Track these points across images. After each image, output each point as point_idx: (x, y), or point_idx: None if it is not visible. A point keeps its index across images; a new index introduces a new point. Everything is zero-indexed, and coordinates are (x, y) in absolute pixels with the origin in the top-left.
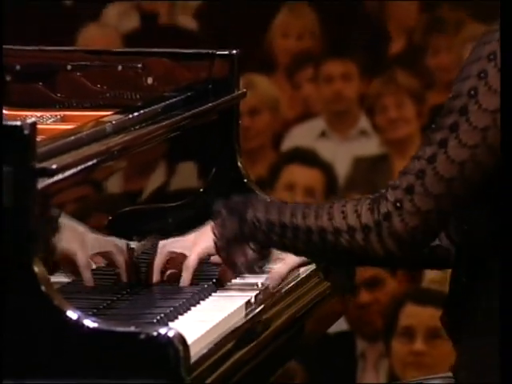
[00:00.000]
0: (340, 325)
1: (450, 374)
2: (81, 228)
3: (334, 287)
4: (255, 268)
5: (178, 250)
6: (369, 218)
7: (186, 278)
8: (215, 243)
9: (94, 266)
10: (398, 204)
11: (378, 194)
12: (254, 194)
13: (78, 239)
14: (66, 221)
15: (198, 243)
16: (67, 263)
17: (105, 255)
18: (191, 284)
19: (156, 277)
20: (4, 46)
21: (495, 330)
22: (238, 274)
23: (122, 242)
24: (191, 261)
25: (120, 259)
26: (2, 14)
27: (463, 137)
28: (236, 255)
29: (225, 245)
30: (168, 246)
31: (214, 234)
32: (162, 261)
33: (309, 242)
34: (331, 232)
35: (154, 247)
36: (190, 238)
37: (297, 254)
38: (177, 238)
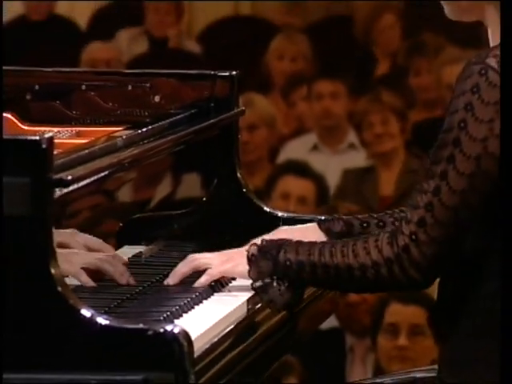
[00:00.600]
0: (331, 322)
1: (432, 367)
2: (65, 251)
3: None
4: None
5: (206, 266)
6: (389, 252)
7: (203, 281)
8: (252, 283)
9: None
10: (414, 236)
11: (394, 228)
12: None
13: (65, 261)
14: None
15: (227, 263)
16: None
17: (93, 267)
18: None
19: (176, 281)
20: (24, 68)
21: (482, 333)
22: (275, 309)
23: (110, 252)
24: (215, 273)
25: (107, 269)
26: (1, 31)
27: (460, 167)
28: (271, 292)
29: (261, 283)
30: (198, 260)
31: (249, 273)
32: (188, 271)
33: (338, 277)
34: (358, 268)
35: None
36: (223, 258)
37: (327, 288)
38: (209, 255)
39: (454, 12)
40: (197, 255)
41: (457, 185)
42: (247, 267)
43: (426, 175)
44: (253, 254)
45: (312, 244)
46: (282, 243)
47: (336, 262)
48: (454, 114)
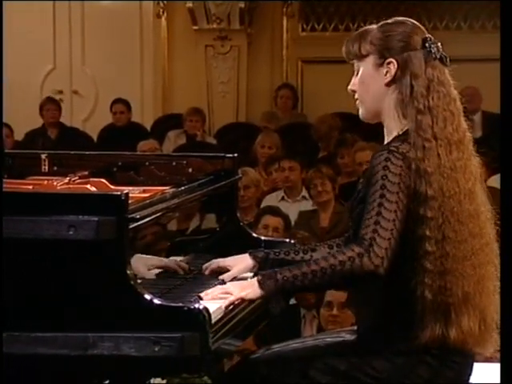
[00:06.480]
0: (291, 300)
1: (352, 329)
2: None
3: None
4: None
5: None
6: (359, 249)
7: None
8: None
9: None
10: (369, 247)
11: (359, 241)
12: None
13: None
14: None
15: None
16: None
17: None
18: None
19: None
20: (112, 152)
21: (373, 311)
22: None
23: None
24: (234, 299)
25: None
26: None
27: (388, 207)
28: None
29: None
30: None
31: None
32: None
33: (323, 276)
34: (338, 263)
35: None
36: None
37: (314, 289)
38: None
39: (364, 117)
40: (226, 288)
41: (389, 216)
42: (258, 291)
43: (363, 220)
44: (260, 279)
45: (298, 262)
46: (276, 271)
47: (322, 266)
48: (375, 184)
